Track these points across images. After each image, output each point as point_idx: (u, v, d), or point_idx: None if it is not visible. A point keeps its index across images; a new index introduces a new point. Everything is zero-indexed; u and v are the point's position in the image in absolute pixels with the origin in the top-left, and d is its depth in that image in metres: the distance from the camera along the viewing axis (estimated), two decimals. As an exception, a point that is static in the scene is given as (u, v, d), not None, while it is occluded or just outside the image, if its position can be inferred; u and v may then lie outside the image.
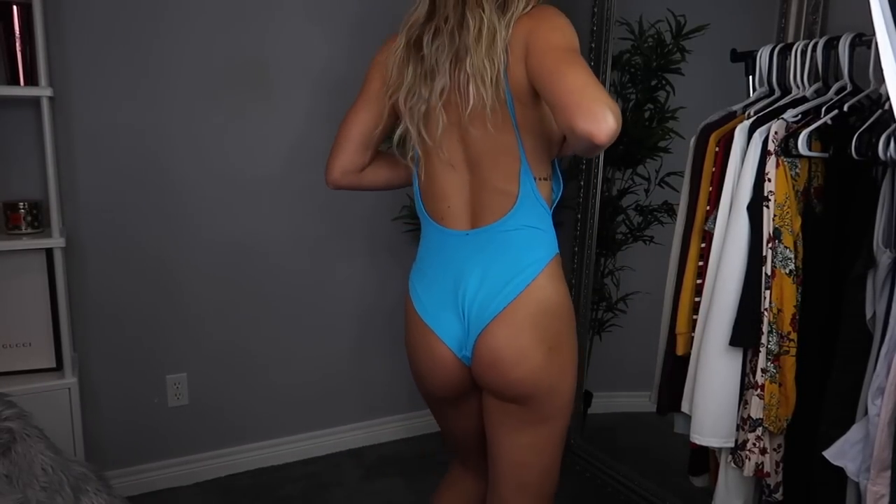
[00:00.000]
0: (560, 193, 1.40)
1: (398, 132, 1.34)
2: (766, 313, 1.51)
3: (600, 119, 1.03)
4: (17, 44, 1.95)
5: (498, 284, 1.27)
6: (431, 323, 1.34)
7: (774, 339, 1.52)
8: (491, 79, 1.19)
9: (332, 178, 1.45)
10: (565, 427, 1.39)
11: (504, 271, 1.27)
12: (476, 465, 1.56)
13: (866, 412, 1.34)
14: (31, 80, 1.98)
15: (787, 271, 1.51)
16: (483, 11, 1.20)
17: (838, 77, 1.60)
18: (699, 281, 1.70)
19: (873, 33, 0.77)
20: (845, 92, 1.57)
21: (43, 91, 1.95)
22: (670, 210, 2.40)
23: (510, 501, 1.40)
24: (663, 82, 2.48)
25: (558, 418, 1.35)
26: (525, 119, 1.24)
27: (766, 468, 1.56)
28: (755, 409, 1.54)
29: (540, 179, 1.29)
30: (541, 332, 1.28)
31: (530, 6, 1.25)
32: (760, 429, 1.55)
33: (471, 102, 1.21)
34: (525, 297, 1.26)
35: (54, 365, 2.07)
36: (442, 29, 1.24)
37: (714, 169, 1.68)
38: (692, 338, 1.69)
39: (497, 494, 1.41)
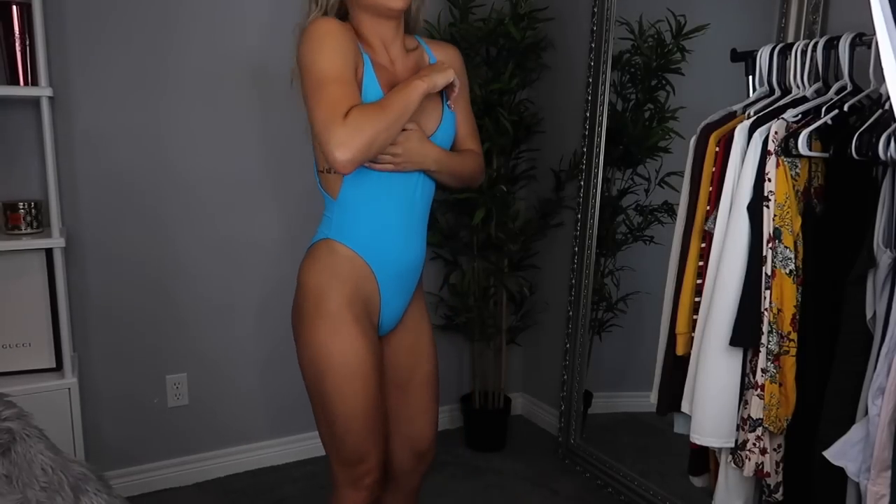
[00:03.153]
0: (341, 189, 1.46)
1: None
2: (766, 313, 1.51)
3: (335, 157, 1.26)
4: (17, 44, 1.95)
5: None
6: None
7: (774, 339, 1.52)
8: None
9: None
10: (315, 395, 1.51)
11: None
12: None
13: (866, 412, 1.34)
14: (31, 80, 1.99)
15: (788, 271, 1.50)
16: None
17: (838, 77, 1.59)
18: (699, 281, 1.69)
19: (873, 33, 0.77)
20: (845, 92, 1.57)
21: (43, 91, 1.95)
22: (670, 210, 2.40)
23: None
24: (663, 82, 2.48)
25: (308, 386, 1.52)
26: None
27: (767, 468, 1.56)
28: (755, 409, 1.54)
29: (322, 172, 1.46)
30: (293, 308, 1.54)
31: (313, 15, 1.48)
32: (760, 429, 1.54)
33: None
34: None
35: (54, 365, 2.07)
36: None
37: (714, 169, 1.67)
38: (692, 338, 1.69)
39: None
